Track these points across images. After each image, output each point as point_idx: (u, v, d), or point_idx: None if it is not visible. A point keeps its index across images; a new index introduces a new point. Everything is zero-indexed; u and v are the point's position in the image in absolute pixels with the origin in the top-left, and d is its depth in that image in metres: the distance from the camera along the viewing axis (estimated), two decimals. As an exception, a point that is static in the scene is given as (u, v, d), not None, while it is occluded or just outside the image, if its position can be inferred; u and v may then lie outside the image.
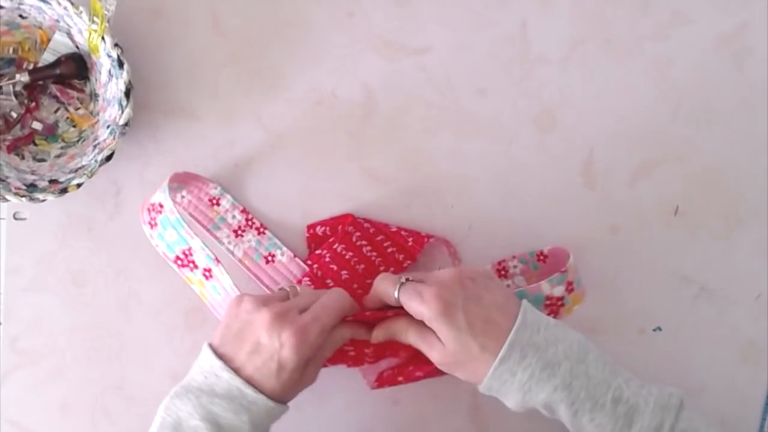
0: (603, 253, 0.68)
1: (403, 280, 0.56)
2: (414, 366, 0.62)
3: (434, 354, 0.56)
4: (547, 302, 0.63)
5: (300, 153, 0.69)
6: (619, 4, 0.70)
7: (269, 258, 0.67)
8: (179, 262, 0.63)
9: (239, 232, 0.68)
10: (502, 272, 0.67)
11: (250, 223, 0.68)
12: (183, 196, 0.68)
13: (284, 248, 0.68)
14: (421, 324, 0.56)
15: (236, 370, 0.54)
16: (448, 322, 0.53)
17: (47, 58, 0.68)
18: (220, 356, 0.55)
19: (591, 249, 0.68)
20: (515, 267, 0.67)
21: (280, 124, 0.70)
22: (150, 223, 0.64)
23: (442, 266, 0.68)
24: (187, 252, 0.63)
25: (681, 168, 0.69)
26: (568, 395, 0.52)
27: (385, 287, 0.57)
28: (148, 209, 0.64)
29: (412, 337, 0.57)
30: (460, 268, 0.60)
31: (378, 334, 0.59)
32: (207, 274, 0.62)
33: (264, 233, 0.68)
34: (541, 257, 0.67)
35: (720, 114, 0.69)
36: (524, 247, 0.68)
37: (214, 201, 0.68)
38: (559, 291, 0.63)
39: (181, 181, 0.68)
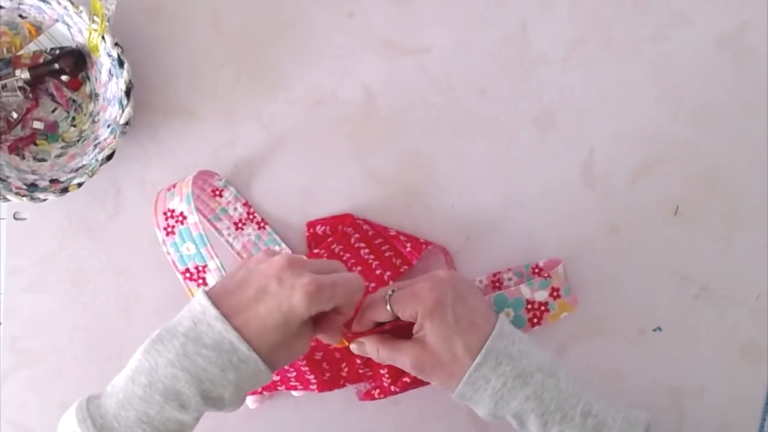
0: (603, 253, 0.68)
1: (390, 291, 0.57)
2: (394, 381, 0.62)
3: (410, 358, 0.55)
4: (529, 306, 0.64)
5: (300, 153, 0.69)
6: (619, 4, 0.70)
7: None
8: (188, 275, 0.62)
9: (240, 224, 0.68)
10: (497, 284, 0.67)
11: (251, 216, 0.68)
12: None
13: (283, 245, 0.67)
14: (388, 338, 0.57)
15: (232, 322, 0.49)
16: (439, 318, 0.54)
17: (44, 43, 0.68)
18: (216, 304, 0.50)
19: (591, 249, 0.68)
20: (510, 279, 0.67)
21: (280, 124, 0.70)
22: (166, 230, 0.62)
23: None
24: (200, 268, 0.61)
25: (681, 168, 0.69)
26: (539, 405, 0.53)
27: (374, 304, 0.57)
28: (165, 214, 0.62)
29: (383, 354, 0.57)
30: (448, 271, 0.60)
31: (354, 348, 0.59)
32: None
33: (264, 228, 0.68)
34: (536, 270, 0.67)
35: (720, 114, 0.69)
36: (524, 248, 0.68)
37: (217, 192, 0.68)
38: (541, 296, 0.64)
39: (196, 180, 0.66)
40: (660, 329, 0.68)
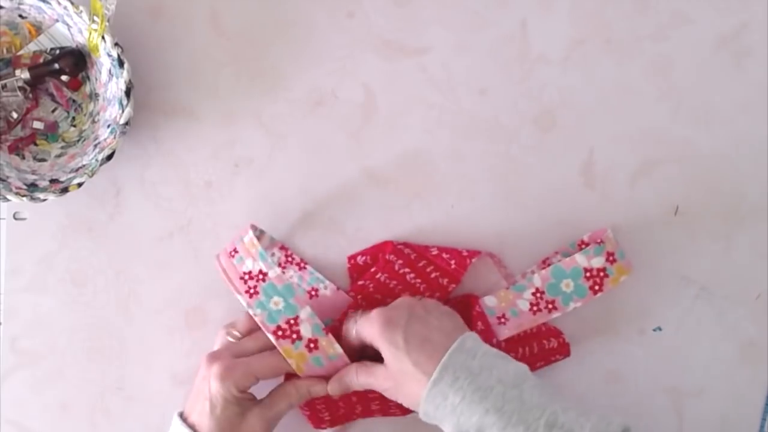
0: (603, 253, 0.68)
1: (357, 317, 0.60)
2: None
3: (379, 382, 0.57)
4: (587, 275, 0.62)
5: (300, 153, 0.69)
6: (619, 4, 0.70)
7: (312, 293, 0.67)
8: (279, 333, 0.60)
9: (281, 268, 0.67)
10: None
11: (290, 258, 0.68)
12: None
13: (327, 282, 0.67)
14: (365, 362, 0.59)
15: (192, 426, 0.58)
16: (388, 338, 0.56)
17: (44, 43, 0.68)
18: (182, 417, 0.60)
19: (591, 249, 0.68)
20: (559, 261, 0.67)
21: (280, 124, 0.70)
22: (248, 293, 0.62)
23: (489, 282, 0.68)
24: (292, 321, 0.60)
25: (681, 168, 0.69)
26: (500, 419, 0.52)
27: (346, 328, 0.61)
28: (242, 279, 0.62)
29: (362, 378, 0.59)
30: (417, 298, 0.62)
31: (333, 387, 0.60)
32: (311, 345, 0.60)
33: (305, 268, 0.67)
34: (583, 246, 0.67)
35: (720, 114, 0.69)
36: (524, 248, 0.68)
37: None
38: (598, 262, 0.62)
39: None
40: (660, 329, 0.68)
